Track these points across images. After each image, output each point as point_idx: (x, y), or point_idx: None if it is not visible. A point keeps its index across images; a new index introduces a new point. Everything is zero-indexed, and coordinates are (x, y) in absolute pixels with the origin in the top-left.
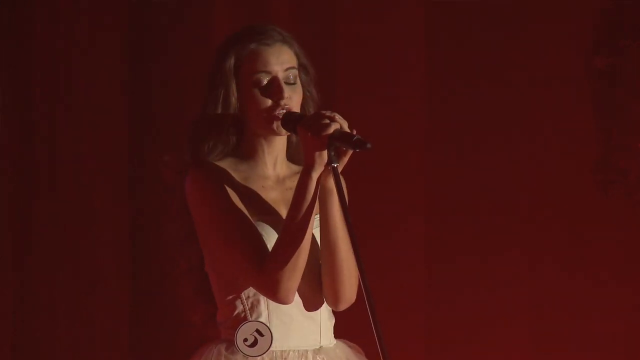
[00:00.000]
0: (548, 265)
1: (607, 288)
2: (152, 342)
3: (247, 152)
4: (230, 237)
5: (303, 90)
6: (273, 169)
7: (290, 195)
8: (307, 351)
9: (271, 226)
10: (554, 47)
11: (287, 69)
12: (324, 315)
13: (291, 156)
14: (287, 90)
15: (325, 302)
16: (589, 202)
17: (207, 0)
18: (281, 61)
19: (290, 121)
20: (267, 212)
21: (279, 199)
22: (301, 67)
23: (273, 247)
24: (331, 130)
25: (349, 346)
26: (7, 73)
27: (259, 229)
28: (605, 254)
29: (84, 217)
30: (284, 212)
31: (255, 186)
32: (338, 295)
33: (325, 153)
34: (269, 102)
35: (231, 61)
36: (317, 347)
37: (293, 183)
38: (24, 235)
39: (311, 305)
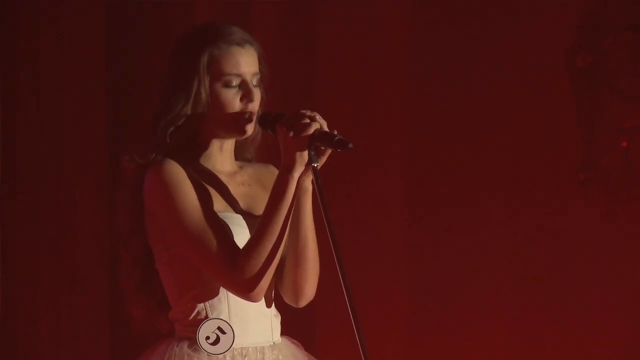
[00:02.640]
0: (529, 266)
1: (588, 286)
2: (133, 337)
3: (202, 147)
4: (200, 235)
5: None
6: (224, 164)
7: (242, 190)
8: (263, 347)
9: (235, 222)
10: (535, 46)
11: (253, 74)
12: (273, 312)
13: (235, 153)
14: (254, 94)
15: (274, 299)
16: (571, 201)
17: (188, 5)
18: (250, 64)
19: (268, 121)
20: (228, 207)
21: (234, 193)
22: (260, 69)
23: (247, 246)
24: (312, 130)
25: (293, 342)
26: None
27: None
28: (586, 253)
29: (65, 215)
30: (241, 207)
31: (214, 181)
32: (300, 292)
33: (305, 153)
34: (237, 104)
35: (205, 57)
36: (271, 344)
37: (243, 178)
38: (4, 234)
39: (267, 301)
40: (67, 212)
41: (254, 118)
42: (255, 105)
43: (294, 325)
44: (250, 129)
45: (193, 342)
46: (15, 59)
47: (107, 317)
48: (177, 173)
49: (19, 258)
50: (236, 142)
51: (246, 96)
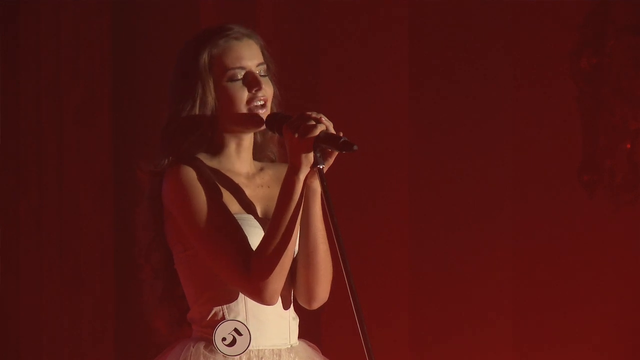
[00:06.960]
0: (533, 266)
1: (592, 288)
2: (137, 341)
3: (218, 150)
4: (214, 238)
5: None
6: (243, 166)
7: (261, 192)
8: (280, 350)
9: (251, 223)
10: (539, 48)
11: (258, 65)
12: (291, 315)
13: (255, 155)
14: (262, 82)
15: (292, 302)
16: (575, 203)
17: (193, 4)
18: (252, 55)
19: (275, 122)
20: (245, 210)
21: (252, 195)
22: (265, 61)
23: (258, 249)
24: (317, 132)
25: (310, 346)
26: None
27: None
28: (591, 255)
29: (70, 219)
30: (259, 209)
31: (231, 183)
32: (313, 294)
33: (311, 155)
34: (247, 94)
35: (205, 58)
36: (289, 346)
37: (262, 180)
38: (10, 237)
39: (284, 304)
40: (72, 216)
41: (268, 104)
42: (265, 92)
43: (299, 325)
44: (264, 115)
45: (209, 343)
46: (18, 59)
47: (112, 320)
48: (192, 177)
49: (22, 260)
50: (255, 140)
51: (254, 85)
